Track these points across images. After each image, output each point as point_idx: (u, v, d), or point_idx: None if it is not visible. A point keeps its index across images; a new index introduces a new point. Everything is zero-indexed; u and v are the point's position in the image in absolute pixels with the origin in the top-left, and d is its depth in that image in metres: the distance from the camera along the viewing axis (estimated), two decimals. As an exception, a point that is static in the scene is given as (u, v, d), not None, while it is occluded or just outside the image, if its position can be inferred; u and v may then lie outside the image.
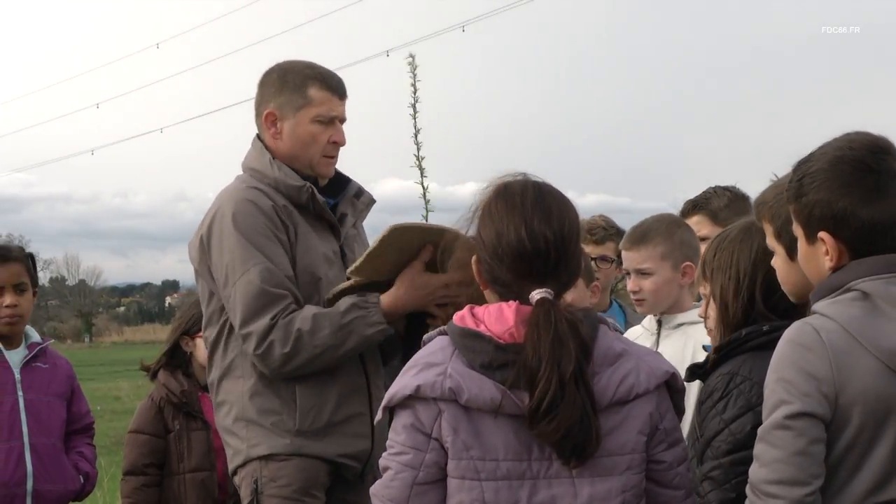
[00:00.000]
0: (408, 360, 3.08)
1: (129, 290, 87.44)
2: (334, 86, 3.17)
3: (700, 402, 2.29)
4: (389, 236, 2.84)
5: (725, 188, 3.77)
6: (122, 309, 77.89)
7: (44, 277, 63.92)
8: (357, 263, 2.94)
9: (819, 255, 2.02)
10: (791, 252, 2.15)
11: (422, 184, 4.65)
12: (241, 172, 3.21)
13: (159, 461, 4.28)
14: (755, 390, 2.11)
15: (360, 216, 3.32)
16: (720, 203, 3.71)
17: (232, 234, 2.97)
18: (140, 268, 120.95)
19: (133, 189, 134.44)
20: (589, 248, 3.97)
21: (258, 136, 3.22)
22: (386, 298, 2.97)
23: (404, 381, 1.96)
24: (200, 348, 3.84)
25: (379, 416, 2.04)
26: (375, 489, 1.99)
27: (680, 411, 2.07)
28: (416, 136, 4.59)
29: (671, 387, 2.03)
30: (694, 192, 3.83)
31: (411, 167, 4.61)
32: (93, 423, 4.06)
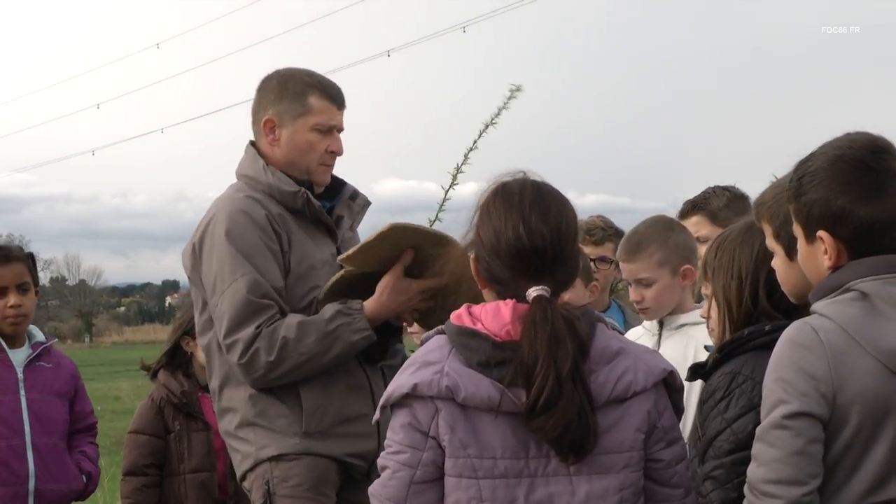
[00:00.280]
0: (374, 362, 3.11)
1: (129, 290, 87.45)
2: (334, 95, 3.18)
3: (702, 402, 2.29)
4: (387, 232, 2.87)
5: (725, 188, 3.77)
6: (122, 309, 77.92)
7: (44, 277, 63.93)
8: (350, 252, 2.95)
9: (818, 254, 2.02)
10: (790, 252, 2.15)
11: (448, 188, 4.71)
12: (235, 180, 3.21)
13: (159, 462, 4.28)
14: (757, 390, 2.10)
15: (356, 218, 3.33)
16: (719, 203, 3.71)
17: (223, 245, 2.98)
18: (140, 268, 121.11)
19: (133, 189, 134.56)
20: (588, 249, 3.97)
21: (251, 143, 3.22)
22: (369, 305, 2.99)
23: (401, 380, 1.96)
24: (201, 349, 3.84)
25: (377, 415, 2.05)
26: (373, 488, 2.00)
27: (678, 410, 2.07)
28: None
29: (669, 385, 2.03)
30: (693, 192, 3.83)
31: (448, 172, 4.66)
32: (96, 422, 4.06)
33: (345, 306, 2.97)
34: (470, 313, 1.98)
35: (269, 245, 3.00)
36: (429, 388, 1.92)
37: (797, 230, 2.07)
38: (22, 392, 3.73)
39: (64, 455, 3.82)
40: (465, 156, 4.72)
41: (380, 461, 2.00)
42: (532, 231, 1.97)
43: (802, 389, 1.91)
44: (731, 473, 2.11)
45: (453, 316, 2.00)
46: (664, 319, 3.27)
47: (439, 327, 2.04)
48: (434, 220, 4.72)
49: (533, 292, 1.95)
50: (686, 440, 2.60)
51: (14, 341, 3.79)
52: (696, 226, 3.69)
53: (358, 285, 3.01)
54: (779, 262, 2.22)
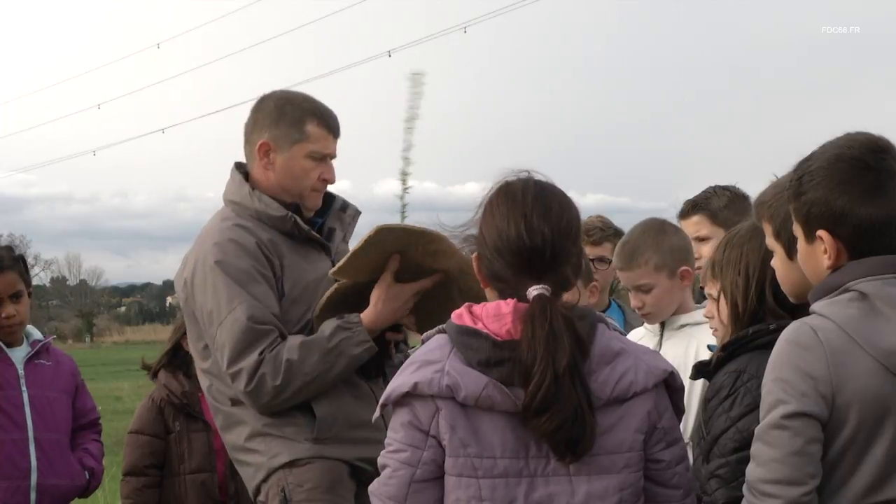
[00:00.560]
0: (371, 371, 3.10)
1: (129, 290, 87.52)
2: (331, 124, 3.18)
3: (706, 400, 2.29)
4: (375, 236, 2.86)
5: (725, 188, 3.76)
6: (122, 309, 77.95)
7: (45, 277, 64.02)
8: (340, 264, 2.94)
9: (818, 254, 2.02)
10: (790, 251, 2.15)
11: (403, 188, 4.71)
12: (222, 205, 3.20)
13: (159, 462, 4.28)
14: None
15: (347, 229, 3.33)
16: (720, 203, 3.70)
17: (216, 275, 2.97)
18: (141, 268, 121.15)
19: (133, 189, 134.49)
20: (586, 249, 3.97)
21: (236, 165, 3.22)
22: (367, 316, 2.99)
23: (402, 379, 1.97)
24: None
25: (377, 413, 2.05)
26: (373, 487, 2.00)
27: (679, 411, 2.07)
28: (407, 152, 4.64)
29: (670, 386, 2.03)
30: (694, 191, 3.83)
31: (401, 175, 4.66)
32: (99, 419, 4.04)
33: (343, 321, 2.97)
34: (471, 312, 1.99)
35: (261, 272, 3.00)
36: (429, 386, 1.92)
37: (797, 230, 2.07)
38: (23, 388, 3.73)
39: (66, 451, 3.81)
40: (406, 158, 4.72)
41: (380, 460, 2.00)
42: (533, 230, 1.98)
43: (801, 389, 1.91)
44: (737, 472, 2.11)
45: (454, 315, 2.01)
46: (666, 320, 3.27)
47: (440, 326, 2.04)
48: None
49: (533, 291, 1.95)
50: (688, 439, 2.61)
51: (12, 342, 3.80)
52: (697, 225, 3.69)
53: (351, 298, 3.01)
54: (778, 262, 2.22)
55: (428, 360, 1.97)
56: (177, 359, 4.40)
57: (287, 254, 3.08)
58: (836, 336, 1.92)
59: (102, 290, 69.89)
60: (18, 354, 3.78)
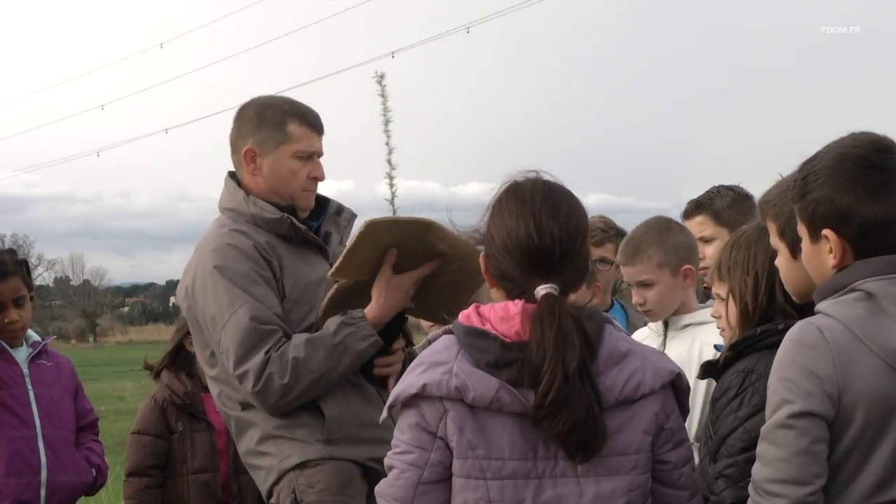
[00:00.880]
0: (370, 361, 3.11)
1: (133, 290, 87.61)
2: (312, 122, 3.20)
3: (714, 400, 2.29)
4: (366, 231, 2.87)
5: (729, 188, 3.76)
6: (126, 309, 78.03)
7: (48, 277, 64.09)
8: (337, 264, 2.95)
9: (823, 253, 2.02)
10: (794, 250, 2.16)
11: (390, 189, 4.73)
12: (218, 214, 3.22)
13: (162, 462, 4.28)
14: (770, 388, 2.09)
15: (344, 233, 3.34)
16: (723, 203, 3.69)
17: (216, 280, 2.98)
18: (144, 268, 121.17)
19: (136, 189, 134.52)
20: (588, 250, 3.96)
21: (230, 174, 3.24)
22: (370, 310, 3.00)
23: (410, 380, 1.96)
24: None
25: (384, 414, 2.04)
26: (380, 488, 2.00)
27: (684, 411, 2.07)
28: (388, 153, 4.67)
29: (676, 386, 2.03)
30: (697, 191, 3.82)
31: (384, 178, 4.69)
32: (97, 419, 4.08)
33: (347, 317, 2.98)
34: (479, 314, 1.99)
35: (261, 274, 3.01)
36: (438, 388, 1.92)
37: (802, 229, 2.07)
38: (29, 386, 3.76)
39: (73, 449, 3.84)
40: (389, 161, 4.75)
41: (386, 461, 2.00)
42: (543, 229, 1.98)
43: (807, 389, 1.91)
44: (745, 472, 2.10)
45: (461, 316, 2.00)
46: (669, 320, 3.27)
47: (447, 327, 2.04)
48: None
49: (542, 290, 1.95)
50: (693, 439, 2.60)
51: (13, 345, 3.82)
52: (700, 226, 3.68)
53: (354, 298, 3.02)
54: (782, 261, 2.22)
55: (436, 361, 1.96)
56: (179, 359, 4.40)
57: (285, 255, 3.10)
58: (841, 335, 1.92)
59: (106, 290, 69.93)
60: (21, 355, 3.81)
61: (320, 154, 3.22)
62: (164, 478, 4.30)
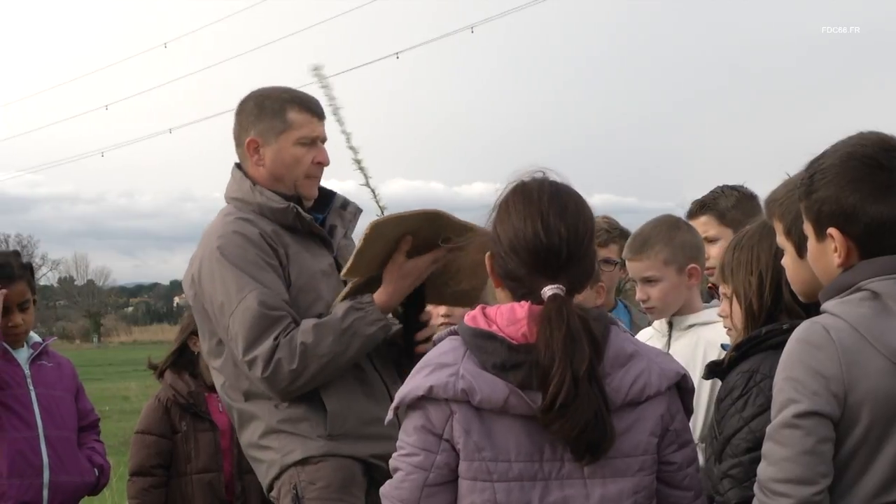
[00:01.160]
0: (410, 338, 3.12)
1: (137, 290, 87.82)
2: (312, 107, 3.20)
3: (719, 400, 2.28)
4: (371, 233, 2.88)
5: (733, 188, 3.75)
6: (130, 309, 78.19)
7: (52, 277, 64.26)
8: (349, 265, 2.96)
9: (828, 252, 2.02)
10: (800, 250, 2.15)
11: (368, 186, 4.73)
12: (225, 204, 3.23)
13: (166, 462, 4.29)
14: (775, 388, 2.09)
15: (349, 226, 3.34)
16: (728, 203, 3.69)
17: (223, 267, 2.98)
18: (148, 268, 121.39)
19: (140, 189, 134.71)
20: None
21: (237, 166, 3.24)
22: (379, 295, 3.01)
23: (416, 382, 1.96)
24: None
25: (390, 416, 2.04)
26: (385, 490, 1.99)
27: (689, 412, 2.07)
28: (349, 140, 4.67)
29: (681, 387, 2.03)
30: (701, 191, 3.81)
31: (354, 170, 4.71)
32: (98, 419, 4.10)
33: (356, 301, 2.99)
34: (485, 315, 1.98)
35: (267, 261, 3.01)
36: (444, 390, 1.91)
37: (808, 228, 2.06)
38: (31, 387, 3.78)
39: (75, 449, 3.86)
40: (359, 163, 4.75)
41: (392, 462, 2.00)
42: (550, 228, 1.97)
43: (813, 388, 1.90)
44: (750, 472, 2.09)
45: (467, 317, 2.00)
46: (673, 320, 3.26)
47: (452, 328, 2.04)
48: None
49: (548, 290, 1.94)
50: (697, 440, 2.60)
51: (15, 346, 3.84)
52: (705, 226, 3.67)
53: (367, 289, 3.03)
54: (789, 260, 2.21)
55: (442, 362, 1.96)
56: (183, 359, 4.41)
57: (291, 244, 3.10)
58: (847, 335, 1.91)
59: (110, 290, 70.13)
60: (22, 356, 3.83)
61: (324, 139, 3.22)
62: (168, 477, 4.30)
